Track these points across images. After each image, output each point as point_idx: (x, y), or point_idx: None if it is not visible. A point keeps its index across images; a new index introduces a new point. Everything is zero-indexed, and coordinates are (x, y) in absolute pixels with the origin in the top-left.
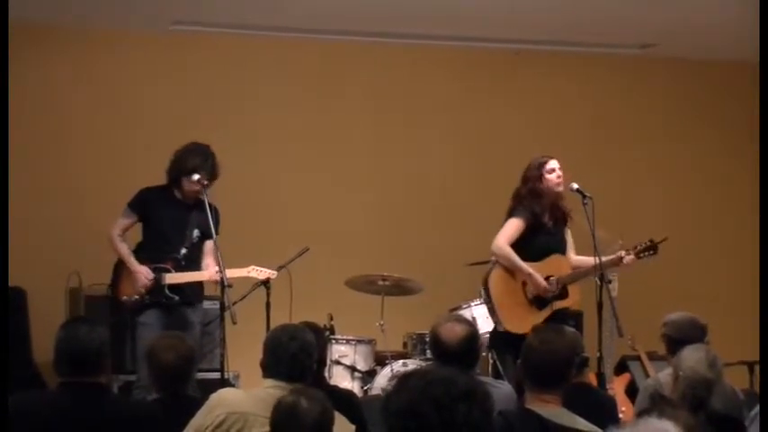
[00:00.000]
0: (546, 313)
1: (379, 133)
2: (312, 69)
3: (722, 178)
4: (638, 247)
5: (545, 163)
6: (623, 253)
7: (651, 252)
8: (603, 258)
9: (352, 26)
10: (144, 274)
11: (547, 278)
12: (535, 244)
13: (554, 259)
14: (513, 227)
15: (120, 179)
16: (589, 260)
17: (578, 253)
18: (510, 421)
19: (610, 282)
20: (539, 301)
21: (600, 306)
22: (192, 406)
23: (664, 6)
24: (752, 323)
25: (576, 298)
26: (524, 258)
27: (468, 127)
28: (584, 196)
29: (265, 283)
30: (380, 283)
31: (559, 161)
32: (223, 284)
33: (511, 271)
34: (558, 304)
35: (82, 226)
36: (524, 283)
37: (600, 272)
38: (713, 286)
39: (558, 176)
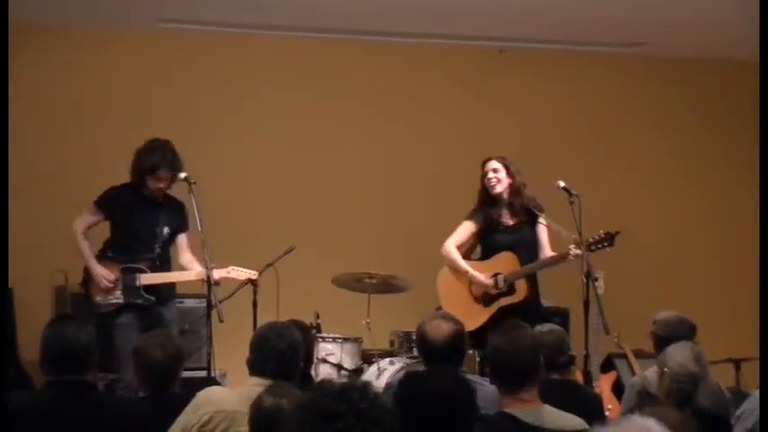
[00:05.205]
0: (492, 310)
1: (366, 131)
2: (299, 68)
3: (712, 176)
4: (591, 240)
5: (483, 164)
6: (572, 247)
7: (606, 244)
8: (551, 254)
9: (337, 24)
10: (104, 276)
11: (494, 275)
12: (489, 242)
13: (501, 257)
14: (463, 229)
15: (107, 177)
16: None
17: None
18: (489, 427)
19: (596, 280)
20: (485, 299)
21: (586, 304)
22: (179, 404)
23: (651, 5)
24: (738, 321)
25: (522, 294)
26: (482, 257)
27: (454, 125)
28: (570, 194)
29: (252, 280)
30: (367, 281)
31: (546, 159)
32: (210, 282)
33: (456, 271)
34: (505, 301)
35: (68, 224)
36: (471, 282)
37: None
38: (699, 284)
39: (490, 179)
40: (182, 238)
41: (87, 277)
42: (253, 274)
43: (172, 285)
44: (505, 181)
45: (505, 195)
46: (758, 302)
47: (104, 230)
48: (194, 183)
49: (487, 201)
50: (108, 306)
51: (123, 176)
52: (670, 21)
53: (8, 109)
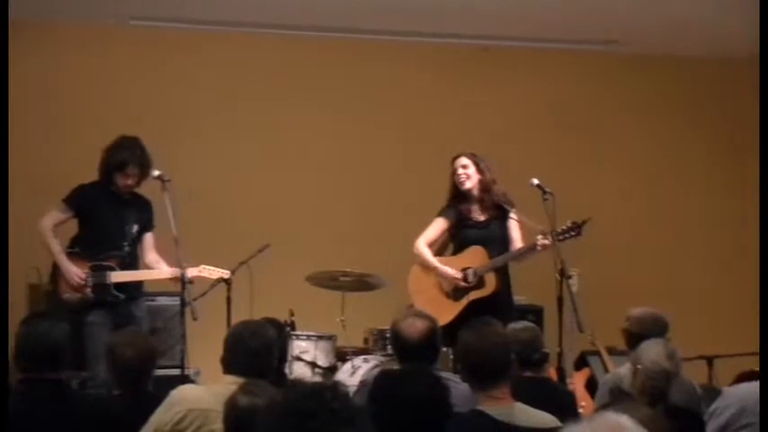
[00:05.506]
0: (462, 304)
1: (340, 129)
2: (275, 67)
3: (693, 175)
4: (557, 230)
5: (453, 161)
6: (539, 237)
7: (573, 233)
8: (520, 245)
9: (314, 22)
10: (76, 273)
11: (464, 270)
12: (460, 238)
13: (471, 251)
14: (434, 226)
15: (79, 175)
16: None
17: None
18: (462, 425)
19: (570, 277)
20: (455, 294)
21: (560, 301)
22: (152, 402)
23: (636, 3)
24: (712, 318)
25: (492, 287)
26: (454, 252)
27: (431, 123)
28: (544, 192)
29: (226, 279)
30: (341, 278)
31: (526, 157)
32: (184, 280)
33: (427, 268)
34: (475, 295)
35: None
36: (440, 278)
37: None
38: (673, 281)
39: (459, 175)
40: (148, 237)
41: (56, 273)
42: (225, 274)
43: (140, 283)
44: (475, 177)
45: (475, 191)
46: (754, 301)
47: (70, 228)
48: (168, 180)
49: (458, 197)
50: (77, 302)
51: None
52: (656, 18)
53: (8, 109)
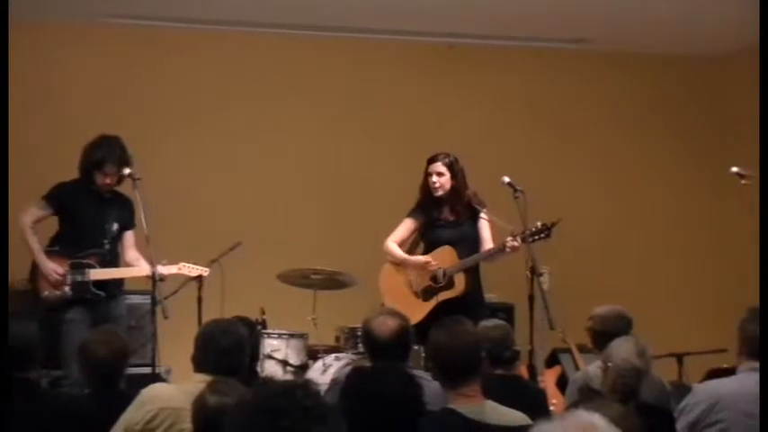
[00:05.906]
0: (432, 304)
1: (312, 128)
2: (246, 65)
3: (661, 174)
4: (527, 231)
5: (428, 164)
6: (509, 239)
7: (543, 235)
8: (490, 245)
9: (281, 19)
10: (54, 269)
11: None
12: (431, 238)
13: (440, 251)
14: (403, 226)
15: (48, 175)
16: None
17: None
18: (434, 424)
19: (541, 275)
20: (425, 293)
21: (531, 299)
22: (124, 401)
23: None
24: (680, 316)
25: (461, 288)
26: (424, 252)
27: (402, 121)
28: (515, 190)
29: (201, 276)
30: (313, 276)
31: (503, 155)
32: (155, 278)
33: (397, 266)
34: (444, 295)
35: (9, 221)
36: (411, 277)
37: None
38: (644, 280)
39: (433, 182)
40: (128, 235)
41: (35, 271)
42: (204, 271)
43: (120, 281)
44: (448, 185)
45: (446, 196)
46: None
47: (51, 226)
48: (139, 179)
49: (428, 197)
50: (56, 300)
51: (63, 172)
52: (632, 16)
53: (8, 109)
